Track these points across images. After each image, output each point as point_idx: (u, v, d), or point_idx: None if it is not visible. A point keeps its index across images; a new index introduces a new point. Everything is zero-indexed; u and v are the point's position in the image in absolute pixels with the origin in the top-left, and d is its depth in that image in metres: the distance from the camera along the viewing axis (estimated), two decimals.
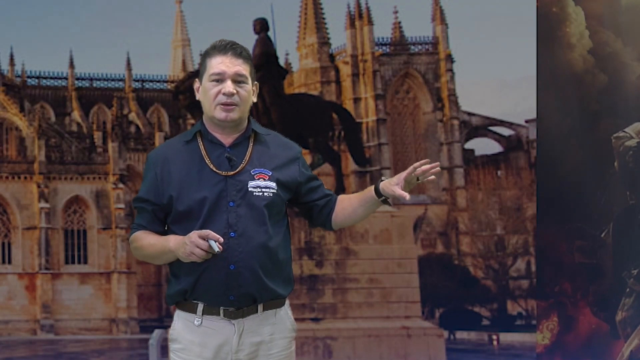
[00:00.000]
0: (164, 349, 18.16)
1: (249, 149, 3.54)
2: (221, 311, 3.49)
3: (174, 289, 3.56)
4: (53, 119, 71.90)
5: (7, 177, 60.03)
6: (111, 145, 61.95)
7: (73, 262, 60.46)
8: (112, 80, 76.70)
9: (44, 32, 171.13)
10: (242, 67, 3.49)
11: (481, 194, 67.76)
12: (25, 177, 60.30)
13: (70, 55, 79.15)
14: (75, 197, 60.85)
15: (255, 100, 3.60)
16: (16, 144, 62.80)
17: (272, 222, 3.51)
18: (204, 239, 3.30)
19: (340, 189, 20.10)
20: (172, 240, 3.43)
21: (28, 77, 73.70)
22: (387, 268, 18.05)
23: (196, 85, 3.61)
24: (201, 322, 3.52)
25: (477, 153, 72.33)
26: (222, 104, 3.47)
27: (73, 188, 60.81)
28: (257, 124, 3.62)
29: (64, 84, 75.03)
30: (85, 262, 60.44)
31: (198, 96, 3.60)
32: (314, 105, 20.81)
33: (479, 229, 64.62)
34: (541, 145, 7.25)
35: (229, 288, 3.44)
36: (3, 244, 59.94)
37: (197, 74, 3.78)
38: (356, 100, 67.83)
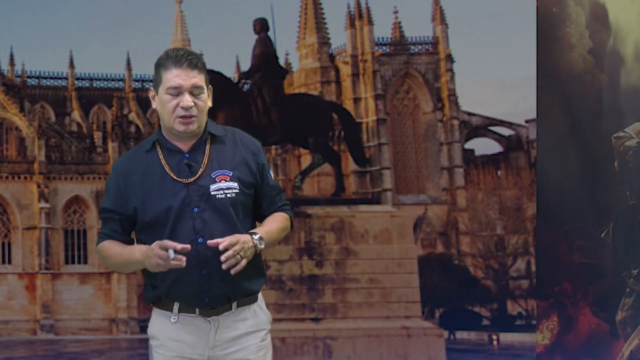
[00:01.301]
0: None
1: (207, 152, 3.57)
2: (196, 310, 3.57)
3: (149, 294, 3.66)
4: (53, 119, 71.87)
5: (7, 177, 60.02)
6: (111, 145, 61.97)
7: (73, 262, 60.44)
8: (112, 80, 76.68)
9: (44, 32, 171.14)
10: (197, 79, 3.52)
11: (481, 194, 67.66)
12: (25, 177, 60.29)
13: (70, 55, 79.13)
14: (75, 197, 60.84)
15: (211, 104, 3.62)
16: (16, 144, 62.80)
17: (241, 220, 3.56)
18: (165, 250, 3.35)
19: (340, 189, 20.09)
20: (138, 252, 3.50)
21: (28, 77, 73.67)
22: (387, 268, 18.03)
23: (151, 94, 3.64)
24: (177, 319, 3.59)
25: (477, 153, 72.26)
26: (181, 117, 3.51)
27: (73, 188, 60.80)
28: (214, 126, 3.64)
29: (64, 84, 75.00)
30: (85, 262, 60.42)
31: (154, 105, 3.63)
32: (314, 105, 20.77)
33: (479, 229, 64.56)
34: (541, 145, 7.24)
35: (202, 291, 3.52)
36: (3, 244, 59.93)
37: None
38: (356, 100, 67.77)
